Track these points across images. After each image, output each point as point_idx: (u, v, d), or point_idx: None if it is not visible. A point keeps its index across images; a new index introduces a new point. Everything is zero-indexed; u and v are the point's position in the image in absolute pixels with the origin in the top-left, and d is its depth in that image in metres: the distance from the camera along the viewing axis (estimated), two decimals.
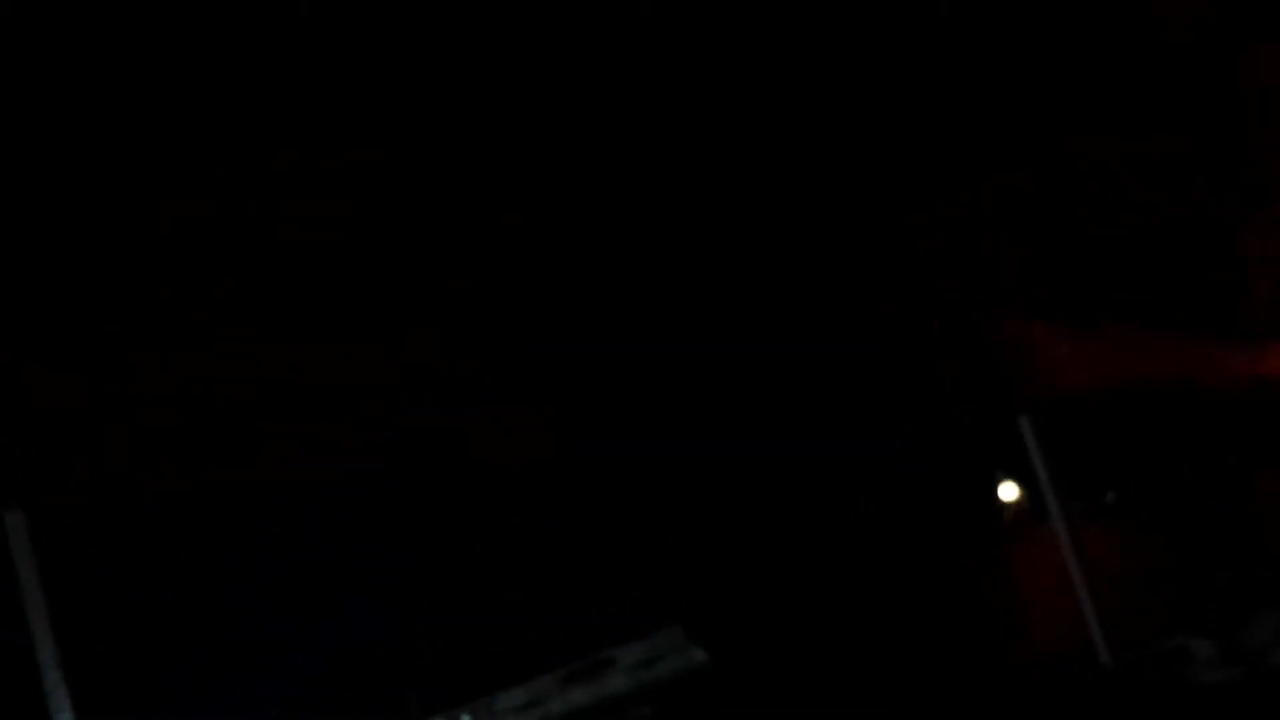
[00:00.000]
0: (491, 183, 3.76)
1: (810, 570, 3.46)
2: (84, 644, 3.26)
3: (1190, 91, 3.78)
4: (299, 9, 3.40)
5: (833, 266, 3.80)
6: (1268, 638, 3.10)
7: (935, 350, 3.73)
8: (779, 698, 3.10)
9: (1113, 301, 3.71)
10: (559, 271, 3.80)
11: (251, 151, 3.49)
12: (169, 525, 3.41)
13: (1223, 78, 3.76)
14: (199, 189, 3.48)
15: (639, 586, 3.62)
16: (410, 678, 3.53)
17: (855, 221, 3.82)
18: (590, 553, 3.63)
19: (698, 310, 3.76)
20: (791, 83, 3.81)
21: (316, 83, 3.50)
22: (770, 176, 3.84)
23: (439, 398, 3.66)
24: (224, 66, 3.41)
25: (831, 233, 3.82)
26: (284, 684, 3.45)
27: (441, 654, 3.56)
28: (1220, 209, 3.79)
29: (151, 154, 3.40)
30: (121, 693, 3.31)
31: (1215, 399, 3.36)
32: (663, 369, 3.73)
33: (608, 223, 3.80)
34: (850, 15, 3.74)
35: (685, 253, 3.78)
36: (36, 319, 3.35)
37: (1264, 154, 3.75)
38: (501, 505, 3.63)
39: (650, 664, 3.49)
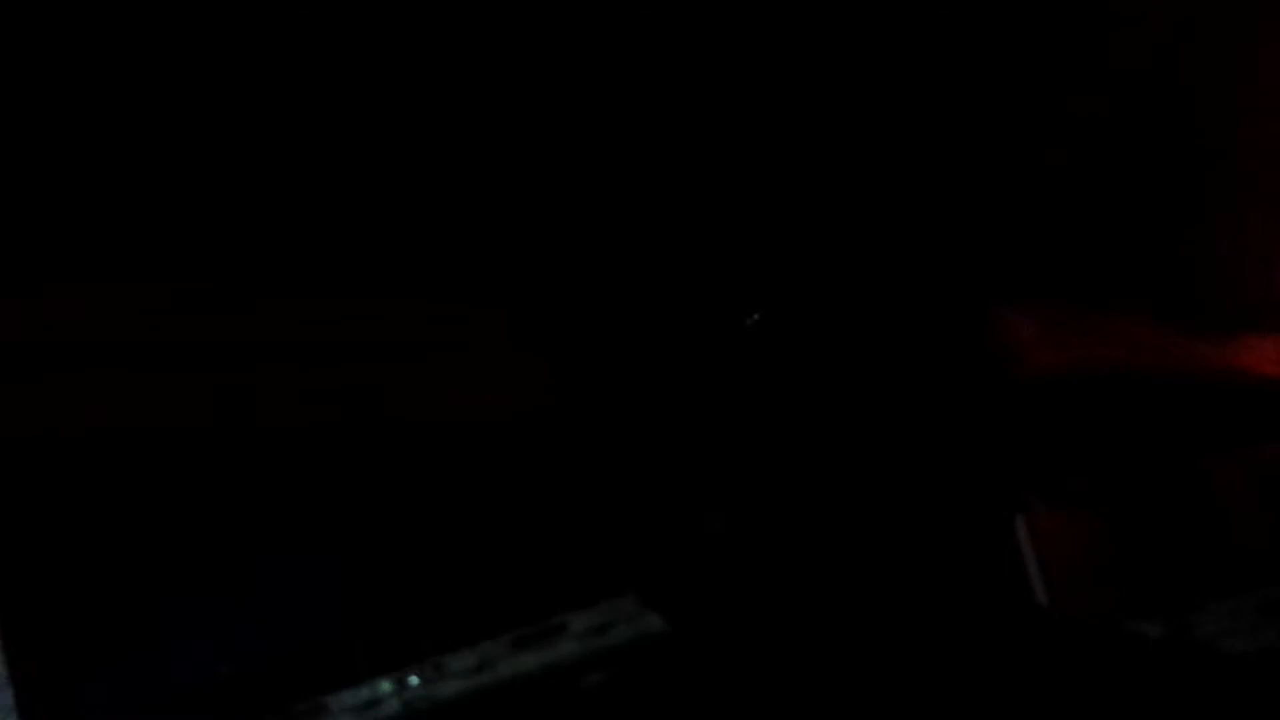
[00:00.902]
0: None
1: (770, 541, 3.42)
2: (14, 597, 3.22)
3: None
4: None
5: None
6: (1218, 626, 3.07)
7: None
8: (735, 668, 3.07)
9: (1079, 288, 3.69)
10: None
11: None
12: (102, 469, 3.38)
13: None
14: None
15: (593, 552, 3.59)
16: (358, 638, 3.51)
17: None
18: (547, 515, 3.60)
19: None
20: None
21: None
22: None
23: (388, 347, 3.62)
24: None
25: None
26: (224, 643, 3.42)
27: (390, 615, 3.54)
28: (1192, 198, 3.78)
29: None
30: (56, 653, 3.28)
31: (1180, 389, 3.33)
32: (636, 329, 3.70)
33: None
34: None
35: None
36: None
37: (1237, 145, 3.75)
38: (458, 463, 3.60)
39: (602, 630, 3.47)
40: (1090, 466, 3.58)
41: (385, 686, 3.40)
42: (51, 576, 3.35)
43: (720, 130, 3.79)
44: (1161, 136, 3.94)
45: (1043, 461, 3.52)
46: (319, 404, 3.53)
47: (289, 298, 3.58)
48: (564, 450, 3.60)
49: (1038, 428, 3.47)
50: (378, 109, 3.58)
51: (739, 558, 2.97)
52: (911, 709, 2.66)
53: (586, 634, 3.45)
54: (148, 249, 3.46)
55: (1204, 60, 3.90)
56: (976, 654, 2.65)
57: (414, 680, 3.45)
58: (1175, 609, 3.20)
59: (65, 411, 3.31)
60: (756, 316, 2.93)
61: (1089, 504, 3.58)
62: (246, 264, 3.55)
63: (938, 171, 3.80)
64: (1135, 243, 3.76)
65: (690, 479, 3.19)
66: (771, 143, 3.82)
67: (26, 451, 3.29)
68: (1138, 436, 3.49)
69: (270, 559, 3.48)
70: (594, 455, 3.56)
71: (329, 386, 3.55)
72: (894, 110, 3.82)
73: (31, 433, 3.27)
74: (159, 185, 3.47)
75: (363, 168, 3.62)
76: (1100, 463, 3.58)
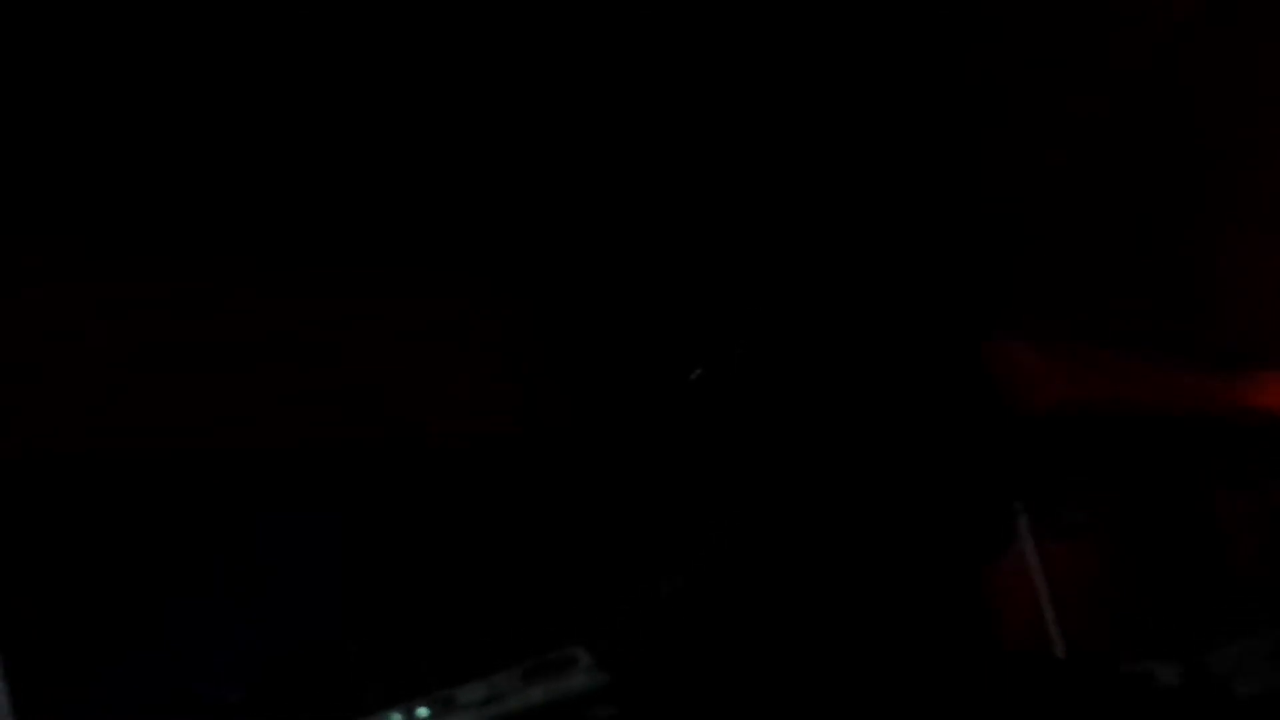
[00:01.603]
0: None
1: (776, 570, 3.39)
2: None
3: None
4: None
5: None
6: (1232, 666, 3.09)
7: None
8: (741, 699, 3.04)
9: (1086, 322, 3.69)
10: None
11: None
12: (100, 487, 3.32)
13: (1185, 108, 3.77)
14: None
15: (604, 583, 3.56)
16: (368, 669, 3.47)
17: None
18: (558, 542, 3.56)
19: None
20: None
21: None
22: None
23: (389, 347, 3.58)
24: None
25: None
26: (232, 673, 3.37)
27: (400, 646, 3.50)
28: (1197, 233, 3.78)
29: None
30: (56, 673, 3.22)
31: (1184, 424, 3.33)
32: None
33: None
34: None
35: None
36: None
37: (1239, 176, 3.74)
38: (466, 486, 3.56)
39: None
40: (1094, 499, 3.59)
41: (394, 718, 3.37)
42: (48, 583, 3.31)
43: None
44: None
45: (1045, 495, 3.52)
46: (320, 404, 3.50)
47: (288, 298, 3.56)
48: (565, 464, 3.58)
49: (1039, 460, 3.46)
50: (379, 111, 3.55)
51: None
52: None
53: (596, 668, 3.41)
54: (147, 249, 3.43)
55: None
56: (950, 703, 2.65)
57: (423, 712, 3.41)
58: (1189, 649, 3.21)
59: (63, 418, 3.27)
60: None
61: (1097, 536, 3.59)
62: (246, 264, 3.51)
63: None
64: (1137, 249, 3.76)
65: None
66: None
67: (21, 463, 3.25)
68: (1142, 471, 3.49)
69: (276, 588, 3.44)
70: (592, 470, 3.54)
71: (329, 387, 3.53)
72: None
73: (30, 442, 3.23)
74: (159, 185, 3.43)
75: (365, 168, 3.59)
76: (1104, 496, 3.58)
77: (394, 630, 3.45)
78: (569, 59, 3.58)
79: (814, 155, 3.60)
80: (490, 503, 3.55)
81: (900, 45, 3.83)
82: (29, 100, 3.25)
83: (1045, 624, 3.51)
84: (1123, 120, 3.98)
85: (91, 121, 3.35)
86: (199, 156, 3.46)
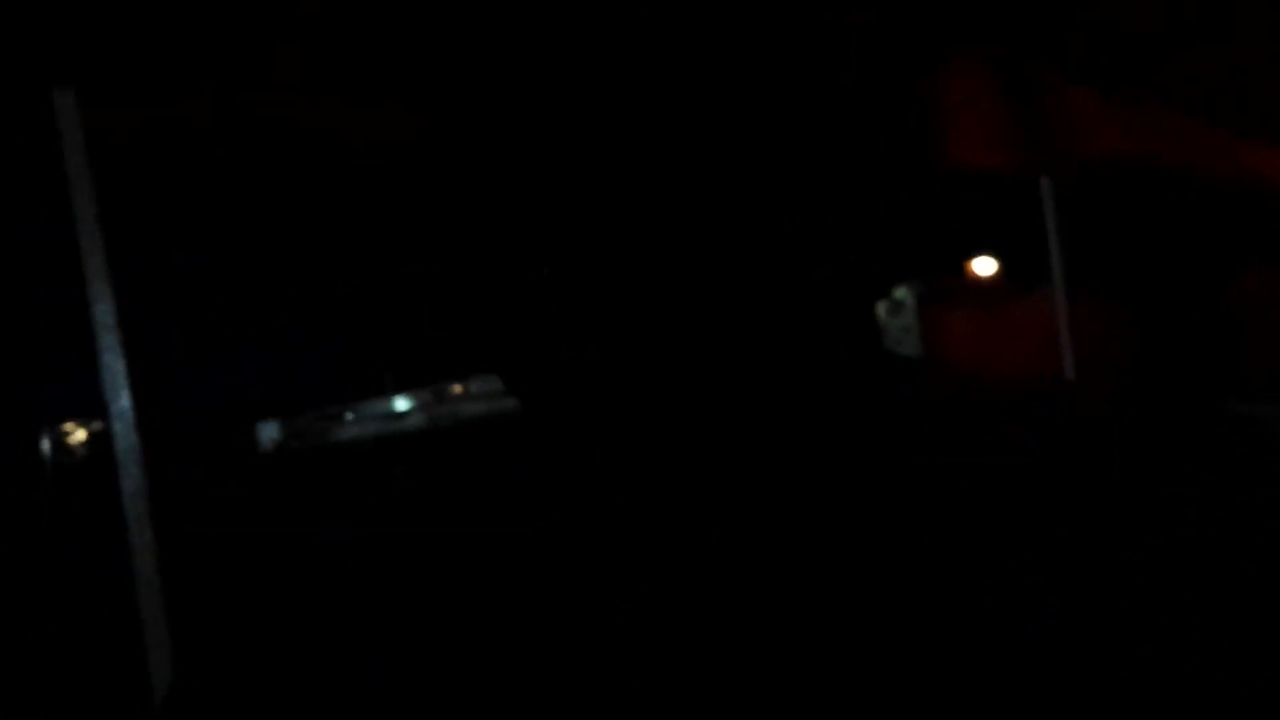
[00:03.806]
0: None
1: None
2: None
3: None
4: None
5: None
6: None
7: None
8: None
9: (1150, 77, 3.65)
10: None
11: None
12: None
13: None
14: None
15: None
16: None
17: None
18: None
19: None
20: None
21: None
22: None
23: None
24: None
25: None
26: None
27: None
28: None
29: None
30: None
31: (1228, 191, 3.33)
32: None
33: None
34: None
35: None
36: None
37: None
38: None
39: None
40: (1128, 257, 3.59)
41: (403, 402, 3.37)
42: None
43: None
44: None
45: (1083, 246, 3.52)
46: None
47: None
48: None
49: (1086, 213, 3.46)
50: None
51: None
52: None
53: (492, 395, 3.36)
54: None
55: None
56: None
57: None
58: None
59: None
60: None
61: (1130, 298, 3.60)
62: None
63: None
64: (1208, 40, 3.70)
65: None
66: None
67: None
68: (1176, 236, 3.50)
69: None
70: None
71: None
72: None
73: None
74: None
75: None
76: (1137, 254, 3.58)
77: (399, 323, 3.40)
78: None
79: None
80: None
81: None
82: None
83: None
84: None
85: None
86: None
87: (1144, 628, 2.55)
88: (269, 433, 3.36)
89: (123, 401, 3.00)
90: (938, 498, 2.65)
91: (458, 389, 3.43)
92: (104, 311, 3.00)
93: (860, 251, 2.87)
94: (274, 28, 3.07)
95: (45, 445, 3.28)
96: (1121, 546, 2.69)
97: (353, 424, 3.39)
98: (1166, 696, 2.52)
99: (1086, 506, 2.72)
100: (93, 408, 3.13)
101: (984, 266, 4.02)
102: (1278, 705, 2.27)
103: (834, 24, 2.79)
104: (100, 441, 3.21)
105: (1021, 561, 2.61)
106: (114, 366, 3.01)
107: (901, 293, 4.08)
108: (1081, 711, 2.50)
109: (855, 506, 2.64)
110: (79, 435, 3.30)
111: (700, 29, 2.89)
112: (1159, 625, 2.54)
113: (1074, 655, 2.49)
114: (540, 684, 2.52)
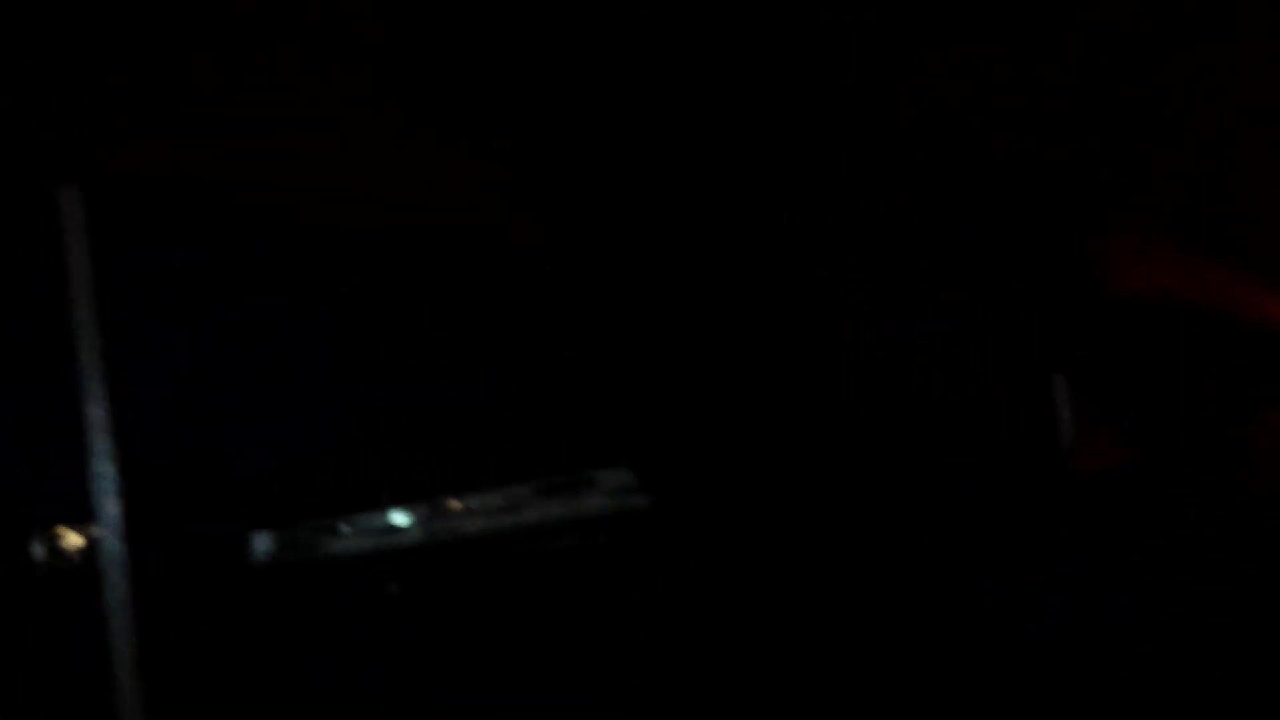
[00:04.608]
0: None
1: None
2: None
3: None
4: None
5: None
6: None
7: None
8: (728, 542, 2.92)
9: (1171, 223, 3.61)
10: None
11: None
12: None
13: None
14: None
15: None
16: (371, 474, 3.40)
17: None
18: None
19: None
20: None
21: None
22: None
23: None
24: None
25: None
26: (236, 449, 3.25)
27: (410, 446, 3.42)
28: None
29: None
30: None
31: (1236, 330, 3.27)
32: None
33: None
34: None
35: None
36: None
37: None
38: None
39: (631, 491, 3.35)
40: (1143, 396, 3.53)
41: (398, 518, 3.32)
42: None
43: None
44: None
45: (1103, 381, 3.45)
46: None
47: None
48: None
49: (1111, 347, 3.40)
50: None
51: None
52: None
53: (615, 491, 3.34)
54: None
55: None
56: None
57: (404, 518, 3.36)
58: None
59: None
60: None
61: (1132, 433, 3.54)
62: None
63: None
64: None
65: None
66: None
67: None
68: (1189, 372, 3.44)
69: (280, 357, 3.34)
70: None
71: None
72: None
73: None
74: None
75: None
76: (1152, 394, 3.53)
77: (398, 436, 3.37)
78: None
79: None
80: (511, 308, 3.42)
81: None
82: None
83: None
84: None
85: None
86: None
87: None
88: (262, 544, 3.31)
89: (111, 508, 2.95)
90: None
91: (456, 504, 3.40)
92: (97, 415, 2.97)
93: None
94: None
95: (37, 550, 3.22)
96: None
97: (348, 537, 3.35)
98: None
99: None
100: (88, 513, 3.09)
101: None
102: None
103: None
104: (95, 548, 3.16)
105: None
106: (104, 471, 2.96)
107: None
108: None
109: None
110: (73, 540, 3.23)
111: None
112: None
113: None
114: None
